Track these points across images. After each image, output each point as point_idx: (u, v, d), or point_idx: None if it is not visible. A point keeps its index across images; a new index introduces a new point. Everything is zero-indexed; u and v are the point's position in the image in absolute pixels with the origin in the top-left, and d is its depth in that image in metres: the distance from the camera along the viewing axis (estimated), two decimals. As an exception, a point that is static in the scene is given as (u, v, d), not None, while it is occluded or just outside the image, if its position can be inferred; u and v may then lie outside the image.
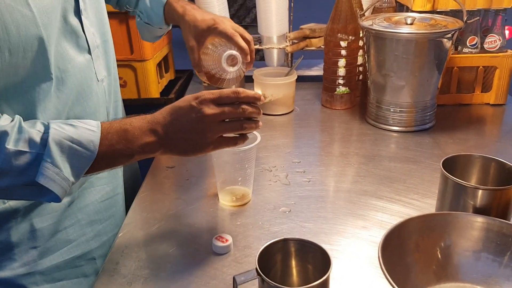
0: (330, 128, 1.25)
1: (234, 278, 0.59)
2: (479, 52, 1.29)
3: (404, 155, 1.07)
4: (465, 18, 1.10)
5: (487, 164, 0.79)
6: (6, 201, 0.75)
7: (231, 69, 0.85)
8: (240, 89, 0.70)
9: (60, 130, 0.66)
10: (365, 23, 1.16)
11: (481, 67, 1.30)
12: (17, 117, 0.66)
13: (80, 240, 0.85)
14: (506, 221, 0.68)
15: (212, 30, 0.86)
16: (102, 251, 0.88)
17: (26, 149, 0.63)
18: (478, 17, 1.18)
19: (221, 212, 0.88)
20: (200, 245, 0.79)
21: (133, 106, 1.46)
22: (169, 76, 1.67)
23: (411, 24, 1.12)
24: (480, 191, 0.72)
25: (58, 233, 0.82)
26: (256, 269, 0.58)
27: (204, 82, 1.47)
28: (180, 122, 0.69)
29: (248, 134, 0.73)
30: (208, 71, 0.88)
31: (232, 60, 0.81)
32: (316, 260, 0.62)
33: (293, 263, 0.65)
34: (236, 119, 0.70)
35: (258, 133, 0.87)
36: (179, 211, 0.89)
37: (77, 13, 0.76)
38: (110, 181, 0.91)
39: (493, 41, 1.27)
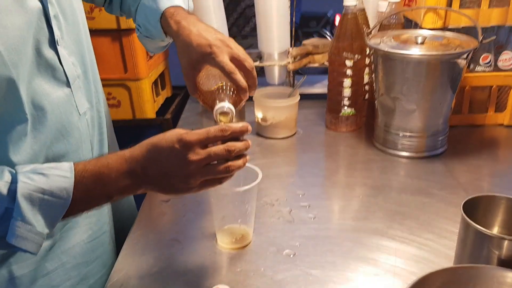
0: (335, 153, 1.18)
1: None
2: (492, 70, 1.21)
3: (416, 186, 1.00)
4: (480, 38, 1.03)
5: (512, 206, 0.72)
6: None
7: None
8: (227, 126, 0.64)
9: (29, 182, 0.60)
10: (373, 41, 1.09)
11: (495, 86, 1.22)
12: None
13: (65, 285, 0.78)
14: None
15: (208, 60, 0.77)
16: None
17: None
18: (494, 36, 1.11)
19: (219, 257, 0.81)
20: (196, 297, 0.72)
21: (127, 128, 1.39)
22: (165, 93, 1.60)
23: (422, 43, 1.05)
24: (506, 242, 0.65)
25: (40, 279, 0.75)
26: None
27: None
28: (161, 164, 0.64)
29: (250, 170, 0.66)
30: (205, 102, 0.80)
31: (225, 113, 0.73)
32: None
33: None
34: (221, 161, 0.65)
35: (259, 170, 0.80)
36: (173, 255, 0.81)
37: (53, 43, 0.69)
38: (98, 219, 0.84)
39: (507, 58, 1.20)
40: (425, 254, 0.80)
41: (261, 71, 1.48)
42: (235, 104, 0.74)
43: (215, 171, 0.64)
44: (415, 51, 1.02)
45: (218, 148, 0.64)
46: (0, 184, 0.59)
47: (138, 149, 0.65)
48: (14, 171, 0.61)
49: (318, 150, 1.19)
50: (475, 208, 0.72)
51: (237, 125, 0.65)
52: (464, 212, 0.69)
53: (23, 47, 0.62)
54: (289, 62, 1.41)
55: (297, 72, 1.49)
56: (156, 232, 0.88)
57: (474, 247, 0.69)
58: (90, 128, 0.80)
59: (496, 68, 1.22)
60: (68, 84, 0.73)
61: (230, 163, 0.64)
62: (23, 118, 0.64)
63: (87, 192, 0.64)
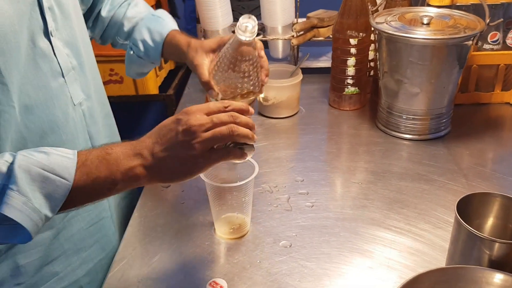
0: (337, 135, 1.17)
1: None
2: (501, 49, 1.18)
3: (417, 171, 1.00)
4: (487, 20, 0.99)
5: (507, 204, 0.72)
6: None
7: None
8: (227, 102, 0.65)
9: (29, 156, 0.58)
10: (378, 20, 1.06)
11: (502, 64, 1.19)
12: None
13: (66, 270, 0.81)
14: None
15: (222, 44, 0.80)
16: (89, 278, 0.84)
17: None
18: (501, 19, 1.07)
19: (217, 247, 0.83)
20: (193, 290, 0.74)
21: (131, 104, 1.39)
22: (168, 66, 1.58)
23: (428, 24, 1.02)
24: (497, 244, 0.66)
25: (44, 267, 0.78)
26: None
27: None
28: (166, 138, 0.62)
29: (246, 162, 0.68)
30: (223, 84, 0.79)
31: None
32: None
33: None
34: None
35: (256, 163, 0.80)
36: (173, 245, 0.83)
37: (47, 34, 0.70)
38: (95, 206, 0.85)
39: (517, 36, 1.16)
40: (420, 246, 0.81)
41: (264, 45, 1.45)
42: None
43: (219, 131, 0.62)
44: (420, 34, 0.99)
45: (221, 114, 0.63)
46: (0, 162, 0.57)
47: (145, 136, 0.64)
48: (15, 153, 0.60)
49: (320, 131, 1.18)
50: (469, 205, 0.72)
51: (238, 103, 0.65)
52: (459, 209, 0.70)
53: (13, 36, 0.62)
54: (293, 36, 1.38)
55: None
56: (155, 220, 0.90)
57: (466, 247, 0.69)
58: (87, 119, 0.80)
59: (505, 46, 1.18)
60: (62, 75, 0.73)
61: (233, 125, 0.62)
62: (10, 108, 0.65)
63: (91, 175, 0.60)
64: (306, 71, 1.36)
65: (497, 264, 0.66)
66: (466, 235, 0.68)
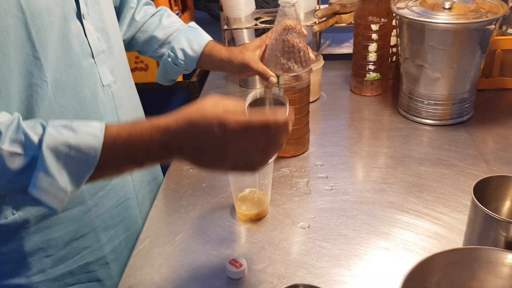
0: (358, 120, 1.18)
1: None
2: (526, 33, 1.16)
3: (437, 156, 1.00)
4: (510, 4, 0.98)
5: (525, 187, 0.72)
6: (15, 211, 0.74)
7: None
8: (271, 122, 0.58)
9: (57, 135, 0.59)
10: (399, 6, 1.06)
11: (528, 48, 1.18)
12: (16, 114, 0.61)
13: (94, 246, 0.85)
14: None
15: (264, 39, 0.95)
16: (115, 255, 0.89)
17: (21, 152, 0.58)
18: (526, 2, 1.06)
19: (237, 227, 0.85)
20: (214, 267, 0.77)
21: (156, 91, 1.42)
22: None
23: (450, 9, 1.01)
24: (514, 226, 0.66)
25: (74, 241, 0.82)
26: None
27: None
28: (198, 142, 0.60)
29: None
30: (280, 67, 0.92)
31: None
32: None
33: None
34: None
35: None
36: (194, 225, 0.86)
37: (79, 17, 0.74)
38: (122, 186, 0.89)
39: (543, 20, 1.14)
40: (437, 229, 0.81)
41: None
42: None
43: (251, 157, 0.61)
44: (441, 19, 0.99)
45: (259, 139, 0.60)
46: (32, 133, 0.59)
47: (173, 122, 0.60)
48: (46, 124, 0.61)
49: (342, 117, 1.20)
50: (487, 188, 0.72)
51: (281, 118, 0.59)
52: (476, 191, 0.70)
53: (47, 15, 0.67)
54: (315, 23, 1.39)
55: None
56: (178, 201, 0.93)
57: (482, 229, 0.70)
58: (115, 101, 0.84)
59: (531, 30, 1.16)
60: (92, 56, 0.77)
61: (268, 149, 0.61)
62: (43, 82, 0.69)
63: (117, 156, 0.61)
64: (328, 57, 1.37)
65: (514, 246, 0.66)
66: (483, 217, 0.69)
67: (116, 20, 0.90)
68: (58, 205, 0.61)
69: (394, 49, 1.30)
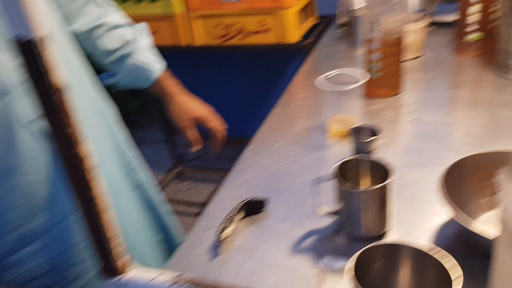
0: (458, 81, 1.24)
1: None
2: None
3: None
4: None
5: None
6: None
7: None
8: None
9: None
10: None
11: None
12: None
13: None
14: None
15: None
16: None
17: None
18: None
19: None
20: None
21: (273, 51, 1.61)
22: (312, 21, 1.80)
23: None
24: None
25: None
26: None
27: None
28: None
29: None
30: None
31: None
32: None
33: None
34: None
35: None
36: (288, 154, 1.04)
37: None
38: None
39: None
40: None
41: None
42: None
43: None
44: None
45: None
46: None
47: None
48: None
49: (441, 73, 1.26)
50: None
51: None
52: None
53: None
54: (425, -11, 1.48)
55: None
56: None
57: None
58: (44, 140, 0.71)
59: None
60: (5, 93, 0.66)
61: None
62: None
63: None
64: (437, 25, 1.44)
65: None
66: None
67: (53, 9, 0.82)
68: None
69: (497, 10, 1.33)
